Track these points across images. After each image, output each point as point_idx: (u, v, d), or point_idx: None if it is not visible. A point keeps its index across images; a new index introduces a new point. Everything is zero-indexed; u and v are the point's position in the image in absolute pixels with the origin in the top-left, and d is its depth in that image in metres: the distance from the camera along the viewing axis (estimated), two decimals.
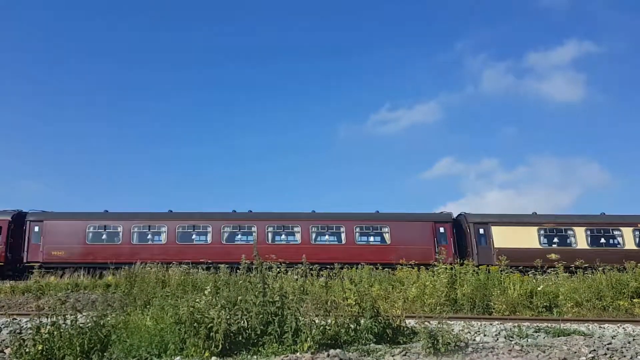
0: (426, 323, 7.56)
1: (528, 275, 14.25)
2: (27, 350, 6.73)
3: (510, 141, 70.74)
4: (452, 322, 8.89)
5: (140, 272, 14.57)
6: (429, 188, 67.89)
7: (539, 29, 73.14)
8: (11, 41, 69.81)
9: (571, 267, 16.38)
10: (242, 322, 7.34)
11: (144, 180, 70.10)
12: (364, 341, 7.48)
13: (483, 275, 12.96)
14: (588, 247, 23.98)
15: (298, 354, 6.78)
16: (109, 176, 69.45)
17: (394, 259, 20.44)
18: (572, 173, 70.03)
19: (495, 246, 24.16)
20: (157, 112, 73.08)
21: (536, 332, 8.89)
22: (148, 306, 9.42)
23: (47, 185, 68.65)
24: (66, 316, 7.14)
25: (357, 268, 15.79)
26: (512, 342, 7.79)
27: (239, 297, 7.57)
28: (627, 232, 24.55)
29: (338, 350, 6.88)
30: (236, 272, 10.62)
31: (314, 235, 25.24)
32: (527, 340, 8.06)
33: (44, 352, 6.69)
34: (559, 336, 8.43)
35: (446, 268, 12.60)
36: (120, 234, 25.23)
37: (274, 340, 7.12)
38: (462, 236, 25.42)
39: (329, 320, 7.62)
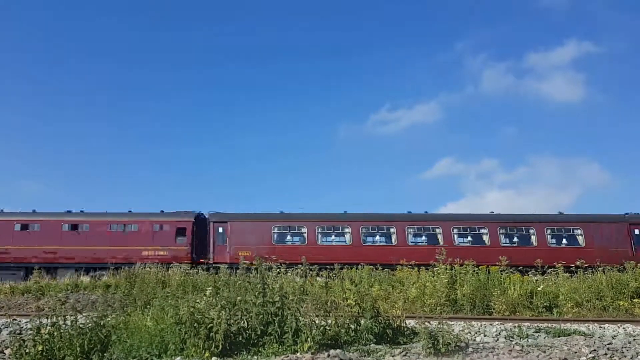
0: (426, 323, 7.56)
1: None
2: (27, 350, 6.72)
3: (510, 141, 70.81)
4: (453, 323, 8.88)
5: (140, 272, 14.57)
6: (429, 188, 67.93)
7: (539, 29, 73.25)
8: (11, 41, 69.86)
9: None
10: (242, 322, 7.33)
11: (144, 180, 70.12)
12: (364, 341, 7.48)
13: (483, 275, 12.95)
14: None
15: (298, 354, 6.77)
16: (109, 176, 69.50)
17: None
18: (572, 173, 70.08)
19: None
20: (157, 112, 73.19)
21: (536, 332, 8.88)
22: (148, 306, 9.41)
23: (47, 185, 68.67)
24: (66, 317, 7.14)
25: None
26: (513, 343, 7.78)
27: (239, 298, 7.56)
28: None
29: (338, 351, 6.88)
30: None
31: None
32: (528, 341, 8.06)
33: (44, 353, 6.69)
34: (559, 336, 8.43)
35: (446, 268, 12.59)
36: (305, 234, 25.75)
37: (274, 341, 7.12)
38: None
39: (329, 321, 7.61)
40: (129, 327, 7.62)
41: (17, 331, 8.18)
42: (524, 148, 73.55)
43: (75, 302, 12.83)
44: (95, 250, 25.40)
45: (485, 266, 13.57)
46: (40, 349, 6.68)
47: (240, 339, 7.15)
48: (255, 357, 6.89)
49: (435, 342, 6.80)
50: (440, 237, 25.38)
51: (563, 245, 24.89)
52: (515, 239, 25.21)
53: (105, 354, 6.90)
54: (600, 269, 13.73)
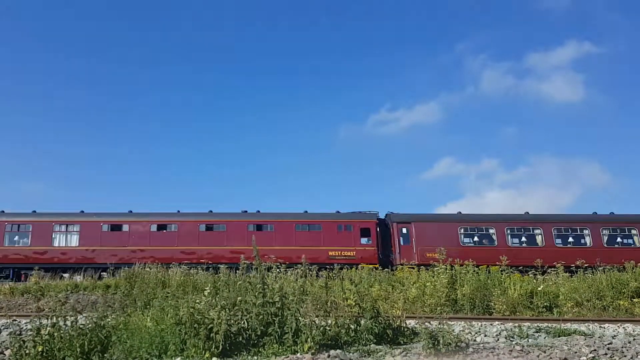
0: (426, 323, 7.56)
1: None
2: (27, 351, 6.70)
3: (510, 141, 70.87)
4: (453, 323, 8.88)
5: (140, 272, 14.56)
6: (429, 188, 67.96)
7: (539, 29, 73.31)
8: (11, 41, 69.80)
9: None
10: (243, 322, 7.33)
11: (145, 180, 70.10)
12: (364, 342, 7.47)
13: (483, 275, 12.95)
14: None
15: (298, 354, 6.77)
16: (109, 176, 69.48)
17: None
18: (573, 173, 70.10)
19: None
20: (157, 112, 73.16)
21: (537, 332, 8.88)
22: (148, 307, 9.40)
23: (47, 185, 68.66)
24: (66, 317, 7.13)
25: None
26: (513, 343, 7.78)
27: (239, 298, 7.56)
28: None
29: (338, 351, 6.88)
30: None
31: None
32: (528, 341, 8.06)
33: (44, 354, 6.67)
34: (559, 336, 8.43)
35: (446, 268, 12.58)
36: (494, 235, 25.79)
37: (274, 341, 7.11)
38: None
39: (329, 321, 7.61)
40: (129, 328, 7.60)
41: (17, 332, 8.17)
42: (524, 148, 73.69)
43: (75, 302, 12.82)
44: (285, 250, 24.23)
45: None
46: (40, 349, 6.66)
47: (241, 339, 7.14)
48: (256, 357, 6.88)
49: (436, 342, 6.79)
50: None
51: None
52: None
53: (105, 355, 6.88)
54: (600, 268, 13.75)
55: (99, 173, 69.33)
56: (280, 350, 6.98)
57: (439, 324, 7.20)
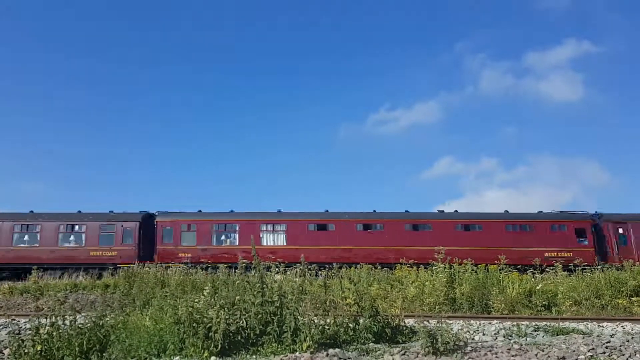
0: (425, 322, 7.56)
1: None
2: (26, 350, 6.70)
3: (510, 141, 70.94)
4: (451, 322, 8.89)
5: (139, 272, 14.55)
6: (428, 188, 67.98)
7: (538, 29, 73.36)
8: (11, 41, 69.66)
9: None
10: (241, 322, 7.32)
11: (145, 180, 70.01)
12: (363, 340, 7.48)
13: (482, 274, 12.96)
14: None
15: (297, 353, 6.77)
16: (109, 176, 69.41)
17: None
18: (572, 172, 70.15)
19: None
20: (157, 112, 73.08)
21: (535, 331, 8.89)
22: (147, 306, 9.41)
23: (47, 185, 68.57)
24: (65, 316, 7.13)
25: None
26: (511, 341, 7.79)
27: (238, 297, 7.56)
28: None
29: (337, 350, 6.88)
30: None
31: None
32: (526, 339, 8.07)
33: (42, 353, 6.68)
34: (557, 335, 8.44)
35: (445, 267, 12.59)
36: None
37: (273, 340, 7.11)
38: None
39: (328, 320, 7.61)
40: (127, 327, 7.61)
41: (16, 331, 8.18)
42: (524, 147, 73.75)
43: (74, 302, 12.82)
44: (491, 251, 23.58)
45: None
46: (39, 349, 6.66)
47: (239, 338, 7.14)
48: (254, 356, 6.89)
49: (434, 341, 6.79)
50: None
51: None
52: None
53: (104, 354, 6.88)
54: (598, 267, 13.77)
55: (99, 173, 69.38)
56: (279, 349, 6.99)
57: (438, 322, 7.20)
